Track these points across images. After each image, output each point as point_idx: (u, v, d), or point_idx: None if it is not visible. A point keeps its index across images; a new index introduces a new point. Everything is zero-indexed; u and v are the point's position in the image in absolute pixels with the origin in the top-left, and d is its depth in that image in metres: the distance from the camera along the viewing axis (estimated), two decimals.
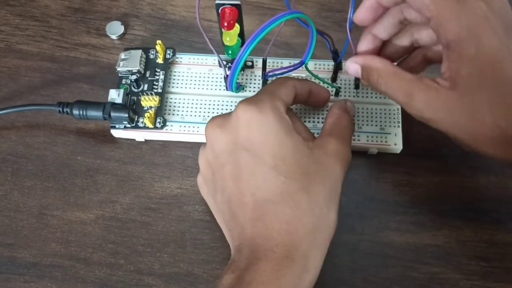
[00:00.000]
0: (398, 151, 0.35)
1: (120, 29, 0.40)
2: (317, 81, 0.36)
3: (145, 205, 0.34)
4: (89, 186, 0.35)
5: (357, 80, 0.36)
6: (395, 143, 0.35)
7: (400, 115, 0.35)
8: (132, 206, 0.34)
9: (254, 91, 0.36)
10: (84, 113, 0.34)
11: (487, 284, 0.31)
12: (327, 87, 0.36)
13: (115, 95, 0.35)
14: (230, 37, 0.32)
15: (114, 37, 0.39)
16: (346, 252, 0.32)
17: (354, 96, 0.36)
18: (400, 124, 0.35)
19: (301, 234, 0.26)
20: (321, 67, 0.37)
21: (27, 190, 0.35)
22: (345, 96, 0.36)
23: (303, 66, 0.33)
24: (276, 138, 0.27)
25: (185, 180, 0.35)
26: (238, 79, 0.34)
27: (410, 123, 0.34)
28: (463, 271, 0.32)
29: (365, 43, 0.32)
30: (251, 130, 0.27)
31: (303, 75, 0.36)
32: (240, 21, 0.31)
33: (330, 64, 0.37)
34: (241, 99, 0.35)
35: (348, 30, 0.31)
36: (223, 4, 0.30)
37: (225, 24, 0.31)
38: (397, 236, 0.33)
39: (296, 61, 0.34)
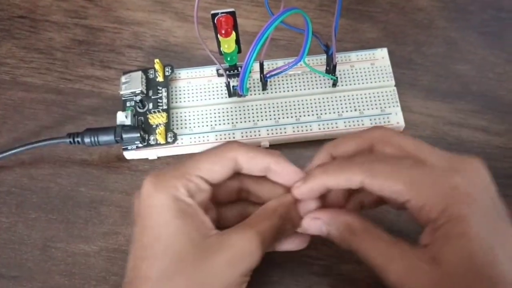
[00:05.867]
0: (401, 129, 0.36)
1: None
2: (315, 74, 0.37)
3: None
4: (93, 218, 0.35)
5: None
6: (397, 121, 0.36)
7: (396, 95, 0.37)
8: None
9: (255, 95, 0.38)
10: (96, 139, 0.35)
11: None
12: (326, 78, 0.37)
13: (123, 118, 0.35)
14: (228, 44, 0.33)
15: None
16: None
17: (351, 84, 0.37)
18: (399, 103, 0.36)
19: None
20: (314, 62, 0.39)
21: (31, 222, 0.35)
22: (342, 85, 0.37)
23: (301, 62, 0.33)
24: (164, 218, 0.25)
25: None
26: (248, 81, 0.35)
27: None
28: None
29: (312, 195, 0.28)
30: (140, 202, 0.26)
31: (299, 72, 0.38)
32: (235, 28, 0.32)
33: (322, 58, 0.38)
34: (244, 103, 0.37)
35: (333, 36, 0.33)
36: (218, 13, 0.31)
37: (223, 32, 0.32)
38: None
39: (289, 60, 0.34)
